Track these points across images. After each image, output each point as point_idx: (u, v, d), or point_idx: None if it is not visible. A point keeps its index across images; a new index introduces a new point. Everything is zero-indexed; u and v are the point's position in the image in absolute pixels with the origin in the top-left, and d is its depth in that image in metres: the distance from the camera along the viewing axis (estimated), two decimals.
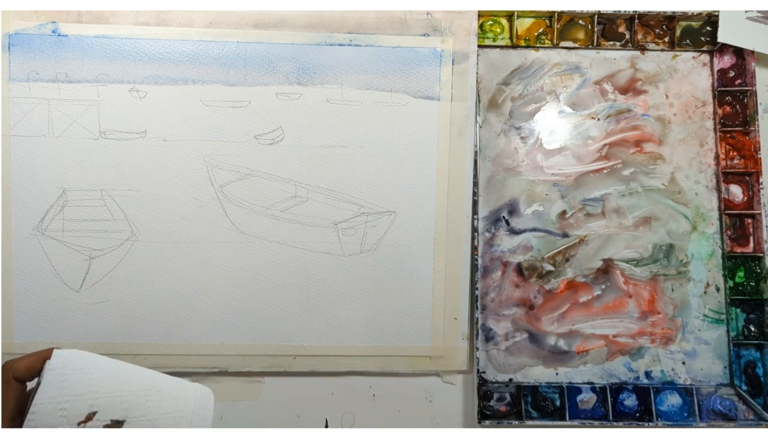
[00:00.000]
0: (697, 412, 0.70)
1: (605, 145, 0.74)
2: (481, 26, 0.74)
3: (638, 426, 0.70)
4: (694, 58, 0.75)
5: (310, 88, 0.72)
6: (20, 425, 0.40)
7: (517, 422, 0.70)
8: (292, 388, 0.72)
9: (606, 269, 0.73)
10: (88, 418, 0.40)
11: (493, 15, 0.75)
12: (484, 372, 0.72)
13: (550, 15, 0.75)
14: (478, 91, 0.74)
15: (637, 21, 0.75)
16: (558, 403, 0.71)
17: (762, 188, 0.73)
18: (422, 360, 0.72)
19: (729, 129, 0.74)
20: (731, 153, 0.74)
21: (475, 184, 0.72)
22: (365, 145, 0.72)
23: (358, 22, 0.72)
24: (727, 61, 0.75)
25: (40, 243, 0.69)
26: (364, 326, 0.71)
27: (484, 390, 0.71)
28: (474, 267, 0.71)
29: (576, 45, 0.75)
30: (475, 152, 0.72)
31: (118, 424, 0.41)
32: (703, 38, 0.75)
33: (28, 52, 0.70)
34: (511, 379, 0.72)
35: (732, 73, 0.75)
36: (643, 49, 0.75)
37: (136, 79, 0.71)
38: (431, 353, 0.71)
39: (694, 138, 0.74)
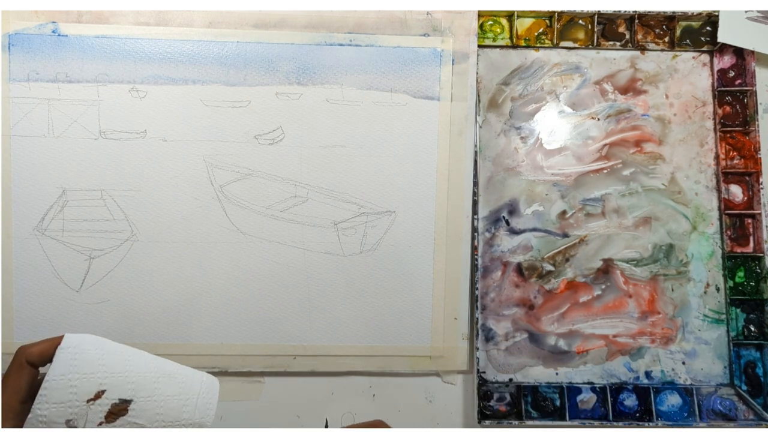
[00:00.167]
0: (697, 412, 0.70)
1: (605, 145, 0.74)
2: (481, 26, 0.74)
3: (638, 426, 0.70)
4: (694, 58, 0.75)
5: (310, 88, 0.72)
6: (30, 408, 0.41)
7: (517, 422, 0.70)
8: (292, 388, 0.72)
9: (606, 269, 0.73)
10: (97, 396, 0.41)
11: (493, 15, 0.75)
12: (484, 372, 0.72)
13: (550, 15, 0.75)
14: (478, 91, 0.74)
15: (637, 21, 0.75)
16: (558, 403, 0.71)
17: (762, 188, 0.73)
18: (422, 360, 0.72)
19: (729, 129, 0.74)
20: (731, 153, 0.74)
21: (475, 184, 0.72)
22: (365, 145, 0.72)
23: (358, 22, 0.72)
24: (727, 61, 0.75)
25: (40, 243, 0.69)
26: (364, 326, 0.71)
27: (484, 390, 0.71)
28: (474, 267, 0.71)
29: (576, 45, 0.75)
30: (475, 152, 0.72)
31: (125, 403, 0.42)
32: (703, 38, 0.75)
33: (28, 52, 0.70)
34: (511, 379, 0.72)
35: (732, 73, 0.75)
36: (643, 49, 0.75)
37: (136, 79, 0.71)
38: (431, 353, 0.72)
39: (694, 138, 0.74)
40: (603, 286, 0.73)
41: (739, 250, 0.73)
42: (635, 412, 0.71)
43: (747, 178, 0.74)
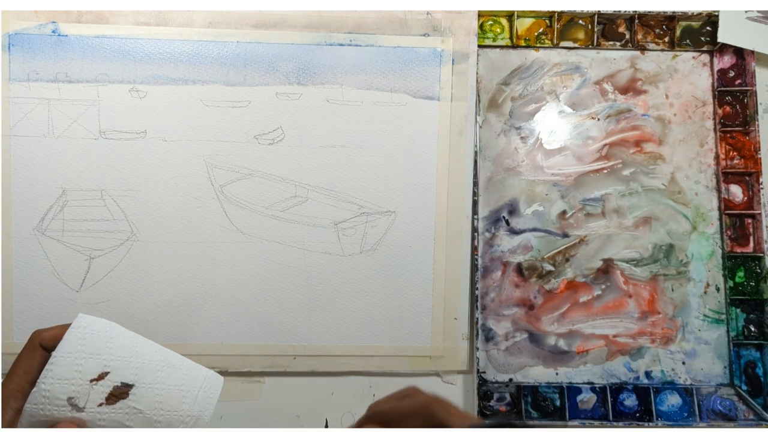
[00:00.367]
0: (697, 412, 0.70)
1: (605, 145, 0.74)
2: (481, 26, 0.74)
3: (638, 426, 0.70)
4: (694, 58, 0.75)
5: (310, 88, 0.72)
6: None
7: (517, 422, 0.70)
8: (292, 388, 0.72)
9: (606, 269, 0.73)
10: (100, 377, 0.42)
11: (493, 15, 0.75)
12: (484, 372, 0.72)
13: (550, 15, 0.75)
14: (478, 91, 0.74)
15: (637, 21, 0.75)
16: (558, 403, 0.71)
17: (762, 188, 0.73)
18: (422, 360, 0.72)
19: (729, 129, 0.74)
20: (731, 153, 0.74)
21: (475, 184, 0.72)
22: (365, 145, 0.72)
23: (358, 22, 0.72)
24: (727, 61, 0.75)
25: (40, 243, 0.69)
26: (364, 326, 0.71)
27: (484, 390, 0.71)
28: (474, 267, 0.71)
29: (576, 45, 0.75)
30: (475, 152, 0.72)
31: (127, 387, 0.42)
32: (703, 38, 0.75)
33: (28, 52, 0.70)
34: (511, 379, 0.72)
35: (732, 73, 0.75)
36: (643, 49, 0.75)
37: (136, 79, 0.71)
38: (431, 353, 0.72)
39: (694, 138, 0.74)
40: (603, 286, 0.73)
41: (739, 250, 0.73)
42: (635, 412, 0.71)
43: (747, 178, 0.74)
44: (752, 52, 0.74)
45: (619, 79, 0.75)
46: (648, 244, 0.73)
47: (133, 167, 0.70)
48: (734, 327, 0.72)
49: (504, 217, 0.73)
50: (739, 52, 0.75)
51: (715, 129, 0.74)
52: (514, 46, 0.75)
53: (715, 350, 0.72)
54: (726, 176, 0.74)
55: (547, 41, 0.75)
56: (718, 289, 0.73)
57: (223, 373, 0.70)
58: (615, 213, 0.74)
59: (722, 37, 0.73)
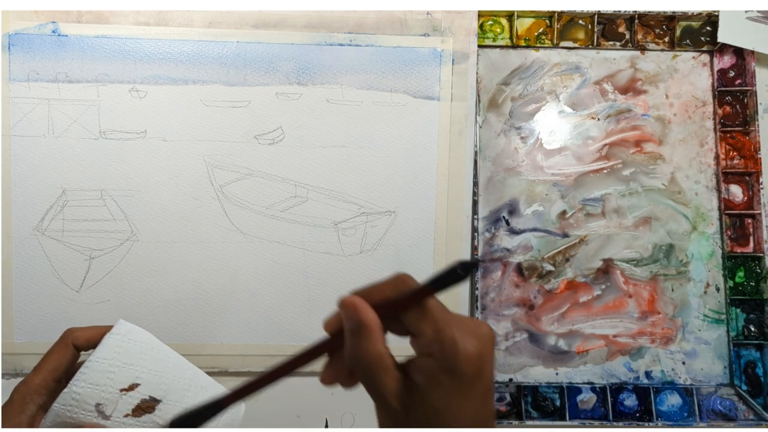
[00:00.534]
0: (697, 412, 0.70)
1: (605, 145, 0.74)
2: (481, 26, 0.74)
3: (638, 426, 0.70)
4: (694, 58, 0.75)
5: (310, 88, 0.72)
6: (61, 389, 0.41)
7: (517, 422, 0.70)
8: (292, 388, 0.72)
9: (606, 269, 0.73)
10: (131, 388, 0.42)
11: (493, 15, 0.75)
12: None
13: (550, 15, 0.75)
14: (478, 91, 0.74)
15: (637, 21, 0.75)
16: (558, 403, 0.71)
17: (762, 188, 0.73)
18: None
19: (729, 129, 0.74)
20: (731, 153, 0.74)
21: (475, 184, 0.72)
22: (365, 145, 0.72)
23: (358, 22, 0.72)
24: (727, 61, 0.75)
25: (40, 243, 0.69)
26: None
27: None
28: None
29: (576, 45, 0.75)
30: (475, 152, 0.72)
31: (154, 401, 0.42)
32: (703, 38, 0.75)
33: (28, 52, 0.70)
34: (511, 379, 0.72)
35: (732, 73, 0.75)
36: (643, 49, 0.75)
37: (136, 79, 0.71)
38: None
39: (694, 138, 0.74)
40: (603, 286, 0.73)
41: (739, 250, 0.73)
42: (635, 412, 0.71)
43: (747, 178, 0.74)
44: (752, 52, 0.74)
45: (619, 79, 0.75)
46: (648, 244, 0.73)
47: (133, 167, 0.70)
48: (734, 327, 0.72)
49: (504, 217, 0.73)
50: (739, 52, 0.75)
51: (715, 129, 0.74)
52: (514, 46, 0.75)
53: (715, 350, 0.72)
54: (726, 176, 0.74)
55: (547, 41, 0.75)
56: (718, 289, 0.73)
57: (223, 373, 0.70)
58: (615, 213, 0.74)
59: (722, 37, 0.73)
